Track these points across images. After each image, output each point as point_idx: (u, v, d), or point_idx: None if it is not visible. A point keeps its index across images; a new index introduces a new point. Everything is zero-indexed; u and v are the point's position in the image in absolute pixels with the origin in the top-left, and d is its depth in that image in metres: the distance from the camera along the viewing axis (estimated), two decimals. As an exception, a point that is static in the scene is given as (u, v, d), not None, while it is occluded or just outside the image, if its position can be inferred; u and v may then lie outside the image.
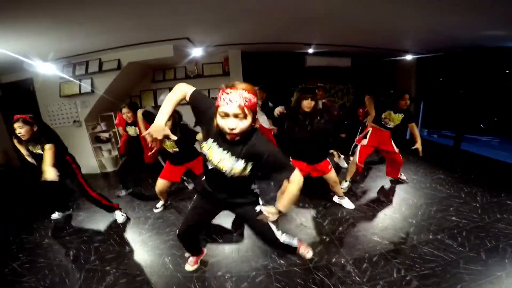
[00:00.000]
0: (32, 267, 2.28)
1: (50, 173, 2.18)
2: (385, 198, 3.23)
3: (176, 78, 5.30)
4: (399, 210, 2.91)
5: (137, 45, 3.73)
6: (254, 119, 1.31)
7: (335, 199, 3.12)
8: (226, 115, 1.22)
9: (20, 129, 2.38)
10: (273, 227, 1.70)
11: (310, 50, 4.64)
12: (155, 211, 3.19)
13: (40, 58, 3.47)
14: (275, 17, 2.91)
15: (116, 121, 4.24)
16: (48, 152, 2.35)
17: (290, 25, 3.28)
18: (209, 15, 2.70)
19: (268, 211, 1.44)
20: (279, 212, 1.42)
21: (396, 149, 3.34)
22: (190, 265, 2.14)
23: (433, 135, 6.51)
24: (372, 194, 3.36)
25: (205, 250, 2.26)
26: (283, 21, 3.10)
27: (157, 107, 5.42)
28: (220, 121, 1.26)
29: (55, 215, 3.16)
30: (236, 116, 1.22)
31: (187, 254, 2.19)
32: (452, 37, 3.74)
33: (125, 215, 3.04)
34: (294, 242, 1.81)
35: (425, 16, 2.87)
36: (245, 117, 1.23)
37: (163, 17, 2.65)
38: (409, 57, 5.26)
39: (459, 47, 4.44)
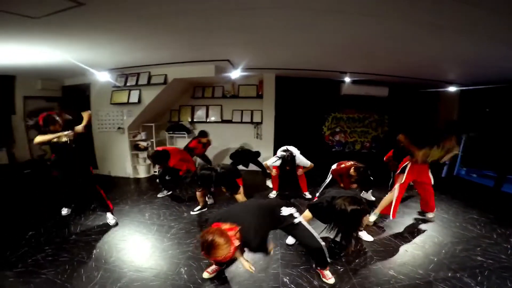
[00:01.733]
0: (54, 260, 2.38)
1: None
2: (409, 234, 3.01)
3: (214, 96, 5.62)
4: (422, 247, 2.71)
5: (183, 63, 4.08)
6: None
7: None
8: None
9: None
10: (315, 234, 2.06)
11: (347, 78, 4.65)
12: (192, 213, 3.47)
13: (99, 67, 3.92)
14: (312, 46, 3.03)
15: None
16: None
17: (326, 53, 3.37)
18: (248, 40, 2.91)
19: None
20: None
21: (432, 180, 3.17)
22: (209, 273, 2.19)
23: (472, 174, 5.94)
24: (397, 229, 3.14)
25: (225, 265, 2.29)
26: (319, 49, 3.20)
27: (193, 122, 5.74)
28: None
29: (65, 211, 3.38)
30: None
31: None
32: (500, 68, 3.55)
33: (115, 219, 3.18)
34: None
35: (472, 48, 2.80)
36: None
37: (206, 38, 2.89)
38: (452, 88, 5.00)
39: (508, 79, 4.17)
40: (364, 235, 2.91)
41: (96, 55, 3.42)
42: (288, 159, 3.62)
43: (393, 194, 3.13)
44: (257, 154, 5.02)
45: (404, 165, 3.22)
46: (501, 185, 4.81)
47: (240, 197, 3.25)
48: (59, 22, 2.22)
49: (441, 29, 2.30)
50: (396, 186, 3.16)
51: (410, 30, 2.39)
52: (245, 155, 4.92)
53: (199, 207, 3.53)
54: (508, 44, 2.59)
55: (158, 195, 4.14)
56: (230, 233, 1.63)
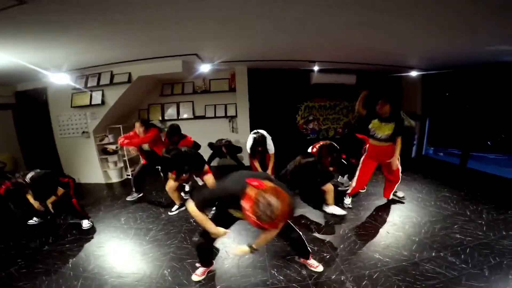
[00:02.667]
0: (29, 272, 2.27)
1: None
2: (388, 216, 3.17)
3: (184, 92, 5.46)
4: (402, 228, 2.86)
5: (148, 60, 3.89)
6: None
7: (327, 209, 3.16)
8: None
9: None
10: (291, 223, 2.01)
11: (316, 67, 4.74)
12: (170, 214, 3.42)
13: (55, 69, 3.62)
14: (281, 36, 3.02)
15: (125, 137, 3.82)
16: None
17: (295, 44, 3.38)
18: (216, 32, 2.82)
19: (241, 250, 1.79)
20: (252, 249, 1.78)
21: (395, 165, 3.17)
22: (198, 275, 2.15)
23: (439, 153, 6.42)
24: (376, 212, 3.30)
25: (214, 263, 2.26)
26: (288, 40, 3.20)
27: (164, 121, 5.54)
28: None
29: (32, 221, 3.23)
30: None
31: (197, 264, 2.20)
32: (458, 54, 3.79)
33: (91, 223, 3.14)
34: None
35: (431, 35, 2.94)
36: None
37: (173, 33, 2.77)
38: (414, 73, 5.29)
39: (467, 63, 4.47)
40: (337, 210, 3.08)
41: (50, 56, 3.13)
42: (260, 140, 3.69)
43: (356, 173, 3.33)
44: (239, 149, 5.05)
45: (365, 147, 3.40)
46: (466, 162, 5.23)
47: (211, 181, 3.21)
48: (3, 22, 2.00)
49: (409, 17, 2.38)
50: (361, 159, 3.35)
51: (376, 17, 2.45)
52: (230, 148, 4.93)
53: (176, 206, 3.45)
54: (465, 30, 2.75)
55: (128, 198, 3.95)
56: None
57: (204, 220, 1.71)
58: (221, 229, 1.73)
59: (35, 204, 2.89)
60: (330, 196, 3.11)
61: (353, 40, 3.20)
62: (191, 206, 1.68)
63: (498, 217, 2.96)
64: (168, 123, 5.53)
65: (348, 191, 3.44)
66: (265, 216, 1.27)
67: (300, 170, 2.85)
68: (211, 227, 1.72)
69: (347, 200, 3.37)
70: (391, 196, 3.47)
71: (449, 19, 2.41)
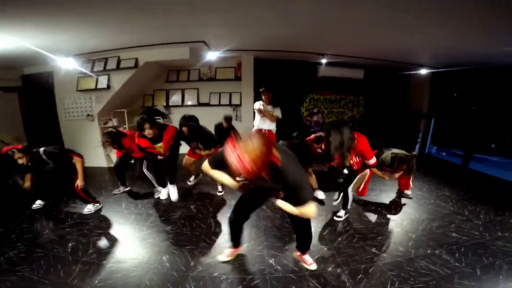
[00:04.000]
0: (28, 256, 2.28)
1: None
2: (387, 212, 3.20)
3: (189, 79, 5.44)
4: (400, 224, 2.90)
5: (155, 46, 3.86)
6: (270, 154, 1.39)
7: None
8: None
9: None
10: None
11: (323, 60, 4.67)
12: (189, 183, 3.89)
13: (62, 53, 3.62)
14: (290, 27, 2.97)
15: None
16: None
17: (304, 35, 3.33)
18: (225, 19, 2.79)
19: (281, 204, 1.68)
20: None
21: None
22: (225, 255, 2.24)
23: (442, 152, 6.40)
24: (375, 207, 3.33)
25: (242, 247, 2.35)
26: (297, 31, 3.15)
27: (168, 106, 5.55)
28: None
29: (36, 205, 3.22)
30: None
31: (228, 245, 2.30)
32: (472, 53, 3.73)
33: (91, 209, 3.13)
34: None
35: (442, 32, 2.89)
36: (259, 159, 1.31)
37: (181, 18, 2.74)
38: (423, 71, 5.20)
39: (477, 63, 4.39)
40: (319, 194, 3.41)
41: (57, 40, 3.13)
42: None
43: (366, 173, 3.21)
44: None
45: None
46: (468, 163, 5.21)
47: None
48: (13, 4, 2.01)
49: (420, 13, 2.33)
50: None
51: (386, 14, 2.40)
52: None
53: (193, 177, 3.93)
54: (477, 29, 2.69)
55: (114, 192, 3.74)
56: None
57: (217, 174, 1.76)
58: (235, 182, 1.77)
59: (27, 183, 3.00)
60: (312, 180, 3.43)
61: (364, 35, 3.15)
62: (205, 165, 1.77)
63: (495, 218, 2.98)
64: (173, 109, 5.60)
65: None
66: (249, 148, 1.28)
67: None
68: (226, 178, 1.76)
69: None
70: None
71: (463, 17, 2.36)
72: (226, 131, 4.64)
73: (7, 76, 4.78)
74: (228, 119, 4.37)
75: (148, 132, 2.99)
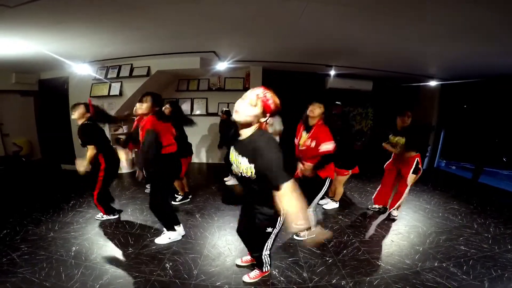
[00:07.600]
0: (31, 258, 2.27)
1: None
2: (394, 225, 3.12)
3: (199, 89, 5.53)
4: (407, 238, 2.82)
5: (167, 55, 3.96)
6: (263, 117, 1.44)
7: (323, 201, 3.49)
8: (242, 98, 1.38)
9: None
10: (268, 243, 1.84)
11: (332, 72, 4.69)
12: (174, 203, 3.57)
13: (78, 59, 3.74)
14: (298, 40, 3.01)
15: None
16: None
17: (312, 48, 3.37)
18: (235, 31, 2.85)
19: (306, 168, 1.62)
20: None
21: (409, 180, 3.08)
22: (249, 277, 2.08)
23: (451, 166, 6.23)
24: (381, 220, 3.25)
25: (269, 271, 2.13)
26: (306, 44, 3.19)
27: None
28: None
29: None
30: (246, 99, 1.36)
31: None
32: (482, 64, 3.70)
33: (102, 218, 3.06)
34: (267, 268, 2.04)
35: (453, 44, 2.88)
36: (254, 105, 1.36)
37: (192, 29, 2.81)
38: (433, 83, 5.16)
39: (487, 74, 4.35)
40: (330, 205, 3.43)
41: (74, 47, 3.25)
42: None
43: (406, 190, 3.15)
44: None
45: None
46: (478, 177, 5.07)
47: None
48: (33, 11, 2.09)
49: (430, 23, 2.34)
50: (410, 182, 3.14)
51: (396, 25, 2.41)
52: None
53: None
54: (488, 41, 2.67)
55: (97, 218, 3.10)
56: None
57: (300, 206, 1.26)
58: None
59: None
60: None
61: (373, 45, 3.16)
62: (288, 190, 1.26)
63: (506, 231, 2.91)
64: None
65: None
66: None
67: None
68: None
69: (395, 213, 3.27)
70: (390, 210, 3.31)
71: (472, 27, 2.35)
72: (227, 122, 4.57)
73: (25, 81, 4.93)
74: (226, 111, 4.37)
75: (140, 106, 2.33)
